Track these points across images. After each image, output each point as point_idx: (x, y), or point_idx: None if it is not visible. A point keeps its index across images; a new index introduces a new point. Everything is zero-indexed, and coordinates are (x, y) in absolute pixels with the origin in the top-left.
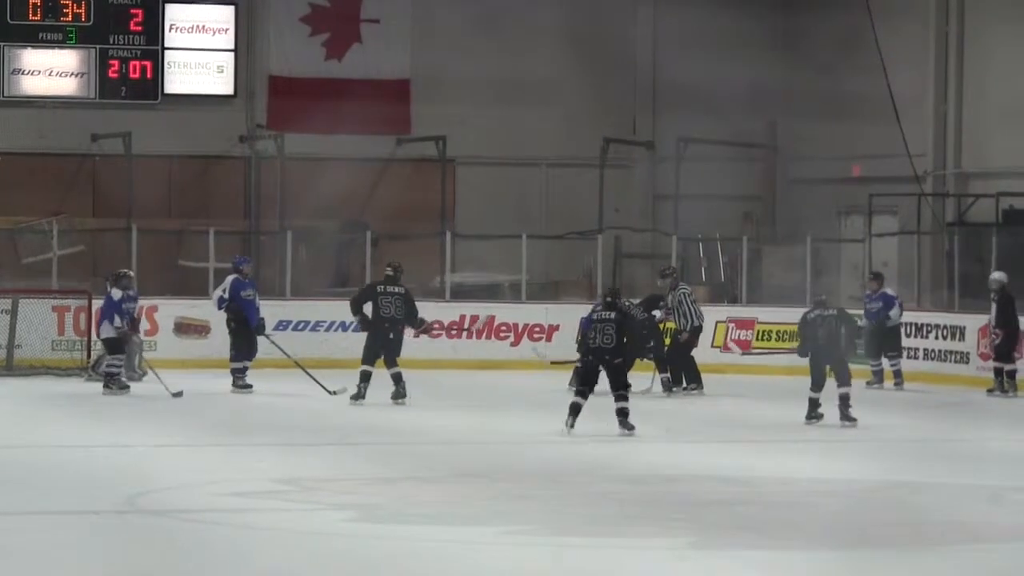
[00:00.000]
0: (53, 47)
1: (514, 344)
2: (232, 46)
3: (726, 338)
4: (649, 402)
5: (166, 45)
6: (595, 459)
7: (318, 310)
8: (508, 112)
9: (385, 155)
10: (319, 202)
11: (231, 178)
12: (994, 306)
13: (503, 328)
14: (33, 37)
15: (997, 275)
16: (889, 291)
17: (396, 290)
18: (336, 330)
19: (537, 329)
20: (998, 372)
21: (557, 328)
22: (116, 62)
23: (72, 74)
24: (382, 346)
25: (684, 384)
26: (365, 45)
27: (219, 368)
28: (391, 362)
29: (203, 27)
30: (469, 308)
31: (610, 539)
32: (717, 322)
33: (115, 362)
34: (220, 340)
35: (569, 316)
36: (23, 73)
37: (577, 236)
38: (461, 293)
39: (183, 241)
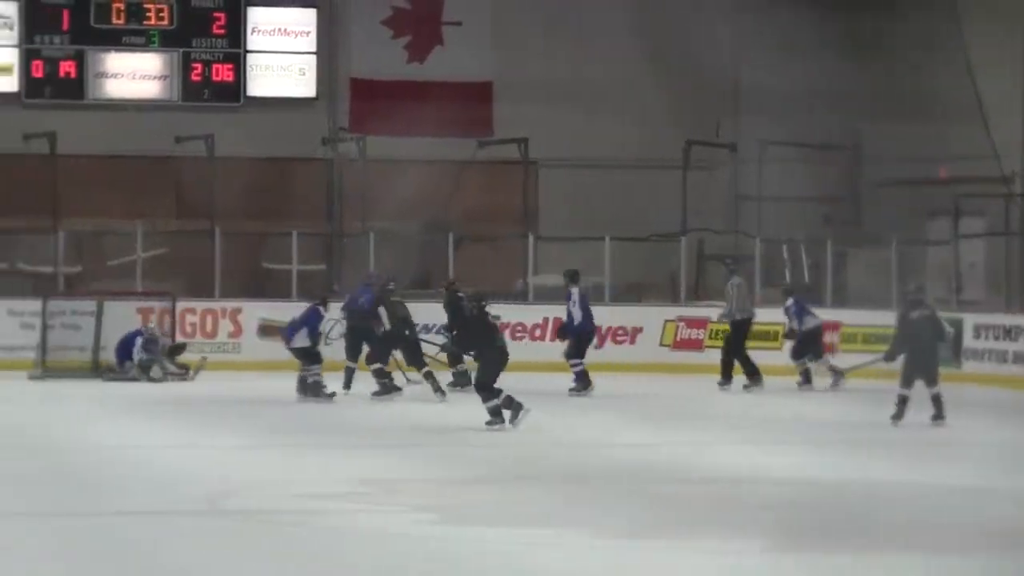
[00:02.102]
0: (136, 50)
1: (598, 346)
2: (314, 49)
3: None
4: (714, 402)
5: (248, 48)
6: (661, 461)
7: None
8: (590, 114)
9: (466, 157)
10: (400, 204)
11: (313, 180)
12: None
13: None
14: (116, 41)
15: None
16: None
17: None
18: (419, 332)
19: (620, 332)
20: None
21: (640, 330)
22: (199, 65)
23: (155, 77)
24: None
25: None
26: (447, 47)
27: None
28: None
29: (285, 30)
30: (551, 310)
31: (673, 541)
32: None
33: (315, 370)
34: None
35: (652, 318)
36: (106, 76)
37: (660, 238)
38: (543, 295)
39: (265, 243)
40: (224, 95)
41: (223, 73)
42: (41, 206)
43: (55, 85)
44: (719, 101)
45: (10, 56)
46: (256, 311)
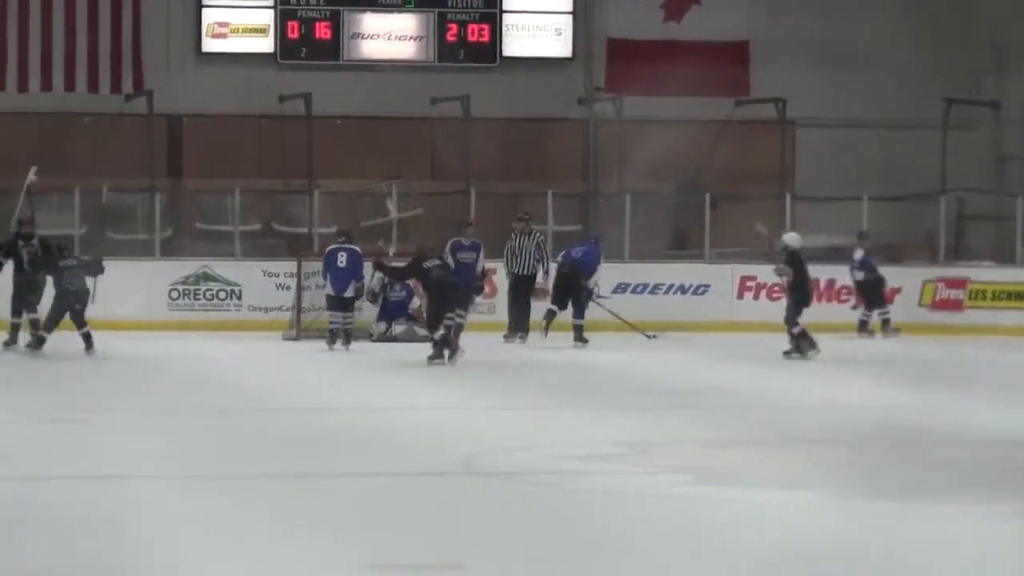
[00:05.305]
0: (392, 11)
1: (855, 307)
2: (570, 8)
3: None
4: (976, 363)
5: (504, 8)
6: (925, 423)
7: (656, 273)
8: (847, 73)
9: (723, 117)
10: (656, 164)
11: (568, 141)
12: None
13: (844, 291)
14: (372, 1)
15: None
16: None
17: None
18: (675, 293)
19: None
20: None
21: (899, 291)
22: (455, 25)
23: (411, 38)
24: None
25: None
26: (704, 6)
27: (556, 331)
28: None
29: None
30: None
31: (943, 505)
32: None
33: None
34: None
35: (910, 279)
36: (362, 37)
37: (918, 198)
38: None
39: (521, 204)
40: (480, 55)
41: (479, 33)
42: (296, 167)
43: (310, 46)
44: (981, 58)
45: (265, 17)
46: None
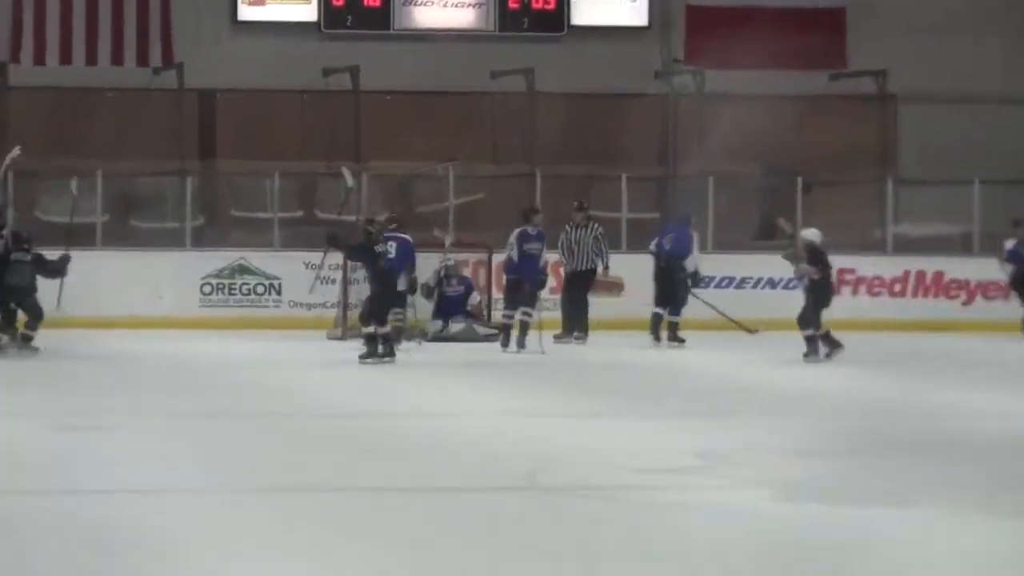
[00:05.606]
0: None
1: (966, 303)
2: None
3: None
4: None
5: None
6: (1015, 430)
7: (742, 265)
8: (956, 42)
9: (816, 91)
10: (741, 144)
11: (643, 118)
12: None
13: (953, 285)
14: None
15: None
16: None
17: None
18: (763, 287)
19: (992, 287)
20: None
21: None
22: None
23: (469, 4)
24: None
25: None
26: None
27: (632, 329)
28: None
29: None
30: (914, 263)
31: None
32: None
33: None
34: (636, 299)
35: None
36: (415, 4)
37: None
38: (905, 246)
39: (591, 188)
40: (545, 24)
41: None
42: (341, 147)
43: (358, 14)
44: None
45: None
46: None
